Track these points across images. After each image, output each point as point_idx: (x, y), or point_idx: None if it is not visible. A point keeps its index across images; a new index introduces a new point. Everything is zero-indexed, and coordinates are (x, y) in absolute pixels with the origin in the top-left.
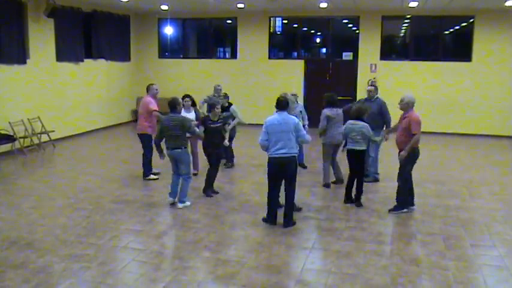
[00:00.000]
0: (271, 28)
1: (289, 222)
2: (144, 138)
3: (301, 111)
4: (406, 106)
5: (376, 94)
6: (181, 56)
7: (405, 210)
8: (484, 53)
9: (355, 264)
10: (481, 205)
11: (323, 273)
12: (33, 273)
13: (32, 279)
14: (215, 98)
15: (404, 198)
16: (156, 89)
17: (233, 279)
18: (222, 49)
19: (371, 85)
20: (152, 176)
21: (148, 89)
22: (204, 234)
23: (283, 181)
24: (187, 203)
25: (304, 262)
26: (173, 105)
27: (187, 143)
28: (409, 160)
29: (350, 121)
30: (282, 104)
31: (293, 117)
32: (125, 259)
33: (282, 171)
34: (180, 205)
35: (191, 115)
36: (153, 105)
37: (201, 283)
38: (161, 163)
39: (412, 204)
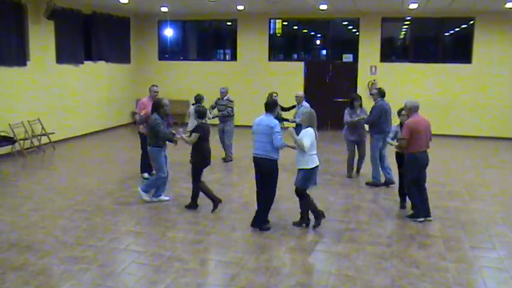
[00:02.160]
0: (271, 30)
1: (255, 223)
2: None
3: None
4: (410, 111)
5: (378, 97)
6: (181, 58)
7: (420, 219)
8: (484, 54)
9: (355, 266)
10: (481, 207)
11: (323, 274)
12: (33, 275)
13: (32, 281)
14: (219, 101)
15: (418, 205)
16: (155, 91)
17: (233, 281)
18: (222, 51)
19: (374, 88)
20: (146, 175)
21: (149, 90)
22: (204, 236)
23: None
24: (146, 198)
25: (304, 264)
26: (156, 106)
27: (155, 142)
28: (409, 167)
29: None
30: (267, 106)
31: (273, 120)
32: (125, 261)
33: (257, 171)
34: (139, 188)
35: None
36: (138, 109)
37: (201, 285)
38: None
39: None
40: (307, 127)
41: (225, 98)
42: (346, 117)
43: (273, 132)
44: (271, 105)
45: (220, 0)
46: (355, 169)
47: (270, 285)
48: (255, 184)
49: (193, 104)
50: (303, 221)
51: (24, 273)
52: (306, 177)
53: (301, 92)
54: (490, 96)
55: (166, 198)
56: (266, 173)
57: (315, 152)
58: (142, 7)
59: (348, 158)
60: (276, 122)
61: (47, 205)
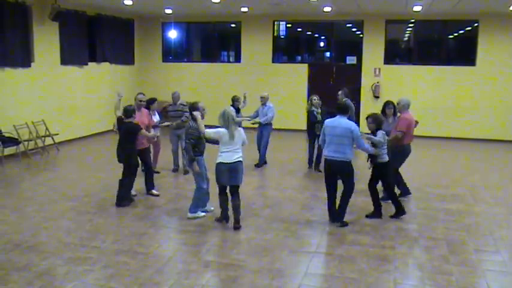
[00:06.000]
0: (275, 32)
1: (338, 218)
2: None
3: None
4: (402, 108)
5: (344, 98)
6: (185, 59)
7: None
8: (488, 57)
9: (358, 269)
10: (485, 209)
11: (326, 277)
12: (36, 276)
13: (36, 282)
14: (171, 108)
15: (397, 200)
16: (140, 99)
17: (235, 283)
18: (226, 53)
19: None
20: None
21: (135, 99)
22: (207, 238)
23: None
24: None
25: (307, 266)
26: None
27: (195, 150)
28: (398, 157)
29: None
30: (341, 109)
31: (352, 123)
32: (128, 262)
33: (332, 173)
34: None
35: (155, 118)
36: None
37: (203, 287)
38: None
39: (409, 193)
40: (221, 127)
41: (178, 103)
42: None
43: (357, 137)
44: (344, 108)
45: (225, 2)
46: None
47: (273, 287)
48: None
49: (231, 105)
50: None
51: (28, 273)
52: (215, 173)
53: (266, 93)
54: (494, 99)
55: (203, 214)
56: (344, 174)
57: (226, 150)
58: (147, 9)
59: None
60: (355, 125)
61: (51, 206)
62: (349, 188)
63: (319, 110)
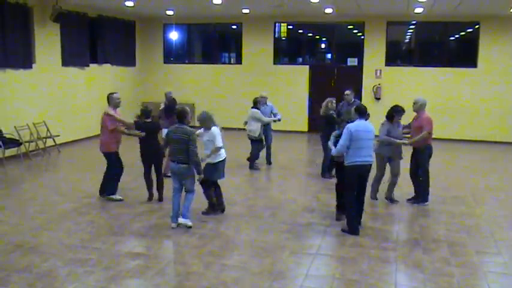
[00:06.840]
0: (276, 33)
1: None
2: (109, 157)
3: (271, 111)
4: (420, 107)
5: (352, 99)
6: (186, 61)
7: (427, 203)
8: (489, 59)
9: (360, 270)
10: (486, 211)
11: (327, 279)
12: (37, 277)
13: (36, 283)
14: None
15: (427, 191)
16: (118, 99)
17: (237, 284)
18: (227, 54)
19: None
20: (114, 197)
21: (108, 98)
22: (208, 240)
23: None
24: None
25: (308, 268)
26: (182, 116)
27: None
28: (426, 156)
29: None
30: (361, 111)
31: (371, 125)
32: (129, 264)
33: (362, 178)
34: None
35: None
36: (112, 121)
37: None
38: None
39: (427, 200)
40: (209, 128)
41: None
42: (382, 133)
43: (373, 138)
44: (365, 111)
45: (226, 4)
46: (385, 194)
47: None
48: (347, 193)
49: (252, 107)
50: (212, 210)
51: (29, 275)
52: (212, 170)
53: (265, 93)
54: (495, 100)
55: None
56: (367, 177)
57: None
58: (148, 10)
59: (375, 176)
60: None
61: (52, 207)
62: (365, 192)
63: (334, 113)
